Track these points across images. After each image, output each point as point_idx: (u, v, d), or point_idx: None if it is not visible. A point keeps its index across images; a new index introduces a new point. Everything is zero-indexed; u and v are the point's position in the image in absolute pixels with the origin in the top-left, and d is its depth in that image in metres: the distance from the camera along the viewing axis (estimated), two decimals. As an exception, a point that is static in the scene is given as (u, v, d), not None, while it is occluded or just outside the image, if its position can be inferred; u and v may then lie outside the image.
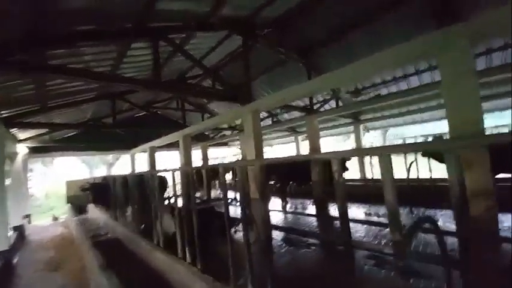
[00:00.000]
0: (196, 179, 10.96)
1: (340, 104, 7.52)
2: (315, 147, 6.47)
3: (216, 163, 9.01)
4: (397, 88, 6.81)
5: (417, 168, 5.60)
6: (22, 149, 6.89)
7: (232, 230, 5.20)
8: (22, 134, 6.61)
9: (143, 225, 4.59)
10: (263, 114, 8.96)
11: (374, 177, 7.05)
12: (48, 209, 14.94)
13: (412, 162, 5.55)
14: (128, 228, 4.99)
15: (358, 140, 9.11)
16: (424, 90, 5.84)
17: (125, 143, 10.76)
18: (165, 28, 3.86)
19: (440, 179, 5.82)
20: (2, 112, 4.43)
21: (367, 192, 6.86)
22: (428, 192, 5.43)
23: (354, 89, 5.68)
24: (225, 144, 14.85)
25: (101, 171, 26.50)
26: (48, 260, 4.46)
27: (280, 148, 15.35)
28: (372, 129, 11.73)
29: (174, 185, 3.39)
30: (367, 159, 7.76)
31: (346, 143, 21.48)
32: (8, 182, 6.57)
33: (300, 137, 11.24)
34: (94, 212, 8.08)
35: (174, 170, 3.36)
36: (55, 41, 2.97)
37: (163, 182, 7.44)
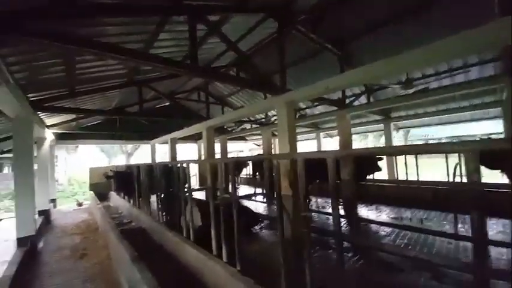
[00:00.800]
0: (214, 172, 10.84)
1: (371, 100, 7.06)
2: (346, 143, 6.04)
3: (243, 156, 8.76)
4: (439, 84, 6.24)
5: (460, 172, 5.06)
6: (49, 135, 6.97)
7: (257, 227, 4.95)
8: (50, 120, 6.67)
9: (169, 216, 4.44)
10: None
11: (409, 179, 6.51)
12: (71, 194, 15.47)
13: (456, 165, 5.00)
14: (152, 218, 4.87)
15: (388, 139, 8.53)
16: (456, 90, 5.43)
17: (146, 133, 10.82)
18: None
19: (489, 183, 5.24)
20: (30, 95, 4.36)
21: (399, 194, 6.37)
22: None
23: (405, 79, 5.13)
24: (243, 138, 14.62)
25: (119, 160, 27.28)
26: (73, 246, 4.42)
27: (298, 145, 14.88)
28: (401, 129, 11.05)
29: (204, 176, 3.14)
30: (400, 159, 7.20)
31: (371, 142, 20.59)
32: (35, 166, 6.70)
33: (321, 134, 10.76)
34: (116, 200, 8.13)
35: (200, 162, 3.17)
36: (80, 13, 2.74)
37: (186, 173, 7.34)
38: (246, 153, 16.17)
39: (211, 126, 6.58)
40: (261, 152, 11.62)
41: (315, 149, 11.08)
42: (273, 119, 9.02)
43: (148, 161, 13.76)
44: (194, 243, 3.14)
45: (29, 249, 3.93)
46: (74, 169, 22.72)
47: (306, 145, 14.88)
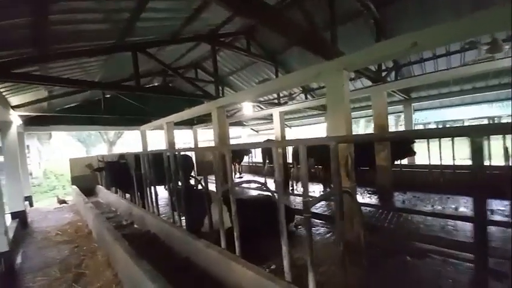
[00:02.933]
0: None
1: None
2: (381, 124, 5.28)
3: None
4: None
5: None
6: (16, 119, 5.54)
7: (292, 224, 4.14)
8: (15, 99, 5.23)
9: (186, 217, 3.49)
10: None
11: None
12: (49, 189, 13.78)
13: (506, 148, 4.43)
14: (163, 219, 3.89)
15: (408, 120, 7.93)
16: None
17: (133, 118, 9.43)
18: (143, 43, 4.57)
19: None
20: None
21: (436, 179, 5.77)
22: None
23: (491, 40, 4.22)
24: (240, 123, 13.57)
25: (99, 150, 25.16)
26: (63, 262, 3.36)
27: (303, 130, 14.14)
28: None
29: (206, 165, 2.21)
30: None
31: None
32: (1, 158, 5.32)
33: None
34: (107, 195, 6.94)
35: (231, 146, 2.21)
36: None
37: (189, 162, 6.28)
38: (244, 140, 15.19)
39: (223, 106, 5.52)
40: (271, 137, 10.76)
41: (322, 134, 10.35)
42: (284, 99, 8.06)
43: (137, 149, 12.39)
44: (246, 262, 2.25)
45: (1, 271, 2.84)
46: (49, 160, 20.57)
47: (312, 130, 14.22)
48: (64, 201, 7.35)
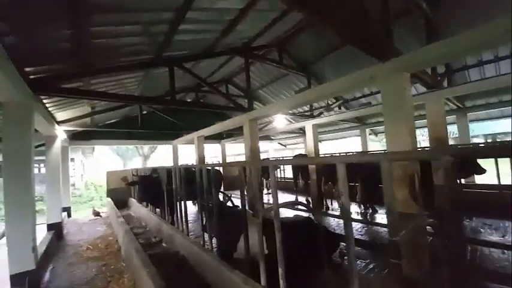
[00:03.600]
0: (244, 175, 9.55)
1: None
2: (440, 136, 4.52)
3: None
4: None
5: None
6: (61, 133, 5.88)
7: (337, 253, 3.51)
8: (60, 114, 5.56)
9: (218, 239, 3.12)
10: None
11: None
12: (88, 200, 14.64)
13: None
14: (192, 241, 3.57)
15: (463, 132, 6.84)
16: None
17: (166, 133, 9.67)
18: (179, 58, 4.60)
19: None
20: (29, 69, 3.14)
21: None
22: None
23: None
24: (268, 137, 13.25)
25: (135, 164, 26.65)
26: (90, 282, 3.17)
27: (334, 143, 13.34)
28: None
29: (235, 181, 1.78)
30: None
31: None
32: (43, 170, 5.58)
33: (367, 130, 9.16)
34: (138, 209, 6.95)
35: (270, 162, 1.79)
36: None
37: (219, 177, 6.04)
38: (271, 154, 14.79)
39: (255, 119, 5.25)
40: (301, 151, 10.26)
41: (359, 148, 9.52)
42: (317, 112, 7.59)
43: (168, 163, 12.71)
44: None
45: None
46: (91, 173, 22.19)
47: (342, 143, 13.35)
48: (98, 214, 7.52)
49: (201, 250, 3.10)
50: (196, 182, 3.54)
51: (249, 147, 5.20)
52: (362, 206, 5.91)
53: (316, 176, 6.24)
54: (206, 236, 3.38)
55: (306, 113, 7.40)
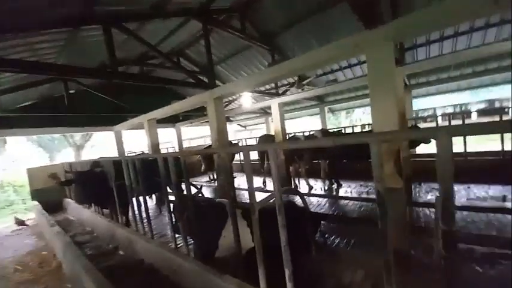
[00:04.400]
0: (206, 161, 8.93)
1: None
2: (399, 112, 4.76)
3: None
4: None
5: None
6: None
7: (317, 235, 3.42)
8: None
9: (196, 240, 2.64)
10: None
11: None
12: (7, 204, 11.74)
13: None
14: (160, 243, 2.97)
15: (408, 108, 7.61)
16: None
17: (103, 117, 8.03)
18: (117, 13, 3.50)
19: None
20: None
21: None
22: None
23: None
24: (227, 119, 12.60)
25: (65, 156, 22.57)
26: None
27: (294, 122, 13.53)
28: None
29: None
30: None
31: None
32: None
33: (326, 108, 9.45)
34: (78, 211, 5.71)
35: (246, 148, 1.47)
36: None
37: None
38: (232, 136, 14.25)
39: (220, 97, 4.62)
40: (262, 132, 10.00)
41: (318, 126, 9.83)
42: (282, 89, 7.32)
43: (110, 153, 10.95)
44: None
45: None
46: (6, 170, 17.92)
47: (301, 122, 13.66)
48: (23, 223, 5.96)
49: (175, 255, 2.56)
50: (154, 174, 2.91)
51: (215, 129, 4.59)
52: (327, 181, 6.11)
53: (284, 157, 6.11)
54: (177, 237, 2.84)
55: (271, 91, 7.04)
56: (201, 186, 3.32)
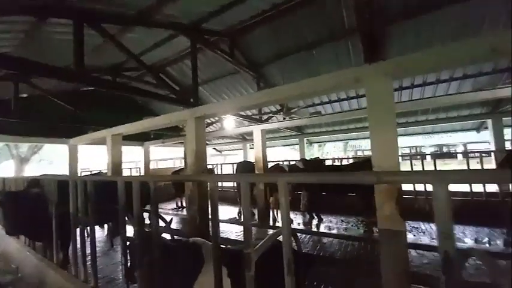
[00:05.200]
0: (175, 185, 8.12)
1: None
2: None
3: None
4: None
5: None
6: None
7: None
8: None
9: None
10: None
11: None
12: None
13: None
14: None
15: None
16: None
17: (58, 127, 7.00)
18: (94, 11, 3.02)
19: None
20: None
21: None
22: None
23: None
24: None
25: (3, 171, 19.28)
26: None
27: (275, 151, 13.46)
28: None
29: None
30: None
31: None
32: None
33: (248, 145, 10.28)
34: (5, 242, 4.45)
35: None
36: None
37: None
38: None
39: (202, 117, 4.23)
40: (239, 158, 9.60)
41: (297, 156, 9.79)
42: (265, 117, 7.19)
43: (63, 170, 9.45)
44: None
45: None
46: None
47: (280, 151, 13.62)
48: None
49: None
50: (110, 199, 2.32)
51: (193, 151, 4.10)
52: (308, 214, 5.78)
53: (264, 187, 5.72)
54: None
55: (254, 117, 6.85)
56: (171, 219, 2.72)
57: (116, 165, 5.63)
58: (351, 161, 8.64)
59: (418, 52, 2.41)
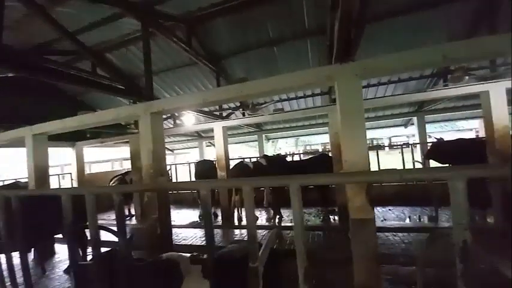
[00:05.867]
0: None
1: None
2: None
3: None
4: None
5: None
6: None
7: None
8: None
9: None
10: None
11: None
12: None
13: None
14: None
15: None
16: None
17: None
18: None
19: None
20: None
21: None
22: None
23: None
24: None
25: None
26: None
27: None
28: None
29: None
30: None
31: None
32: None
33: (204, 142, 10.44)
34: None
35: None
36: None
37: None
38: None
39: (160, 112, 3.72)
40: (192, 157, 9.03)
41: (256, 153, 9.81)
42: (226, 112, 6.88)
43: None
44: None
45: None
46: None
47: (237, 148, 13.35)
48: None
49: None
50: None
51: (150, 151, 3.57)
52: (272, 211, 5.82)
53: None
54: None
55: (215, 113, 6.48)
56: (132, 235, 2.27)
57: (41, 172, 4.54)
58: (306, 156, 9.12)
59: (382, 56, 2.60)
